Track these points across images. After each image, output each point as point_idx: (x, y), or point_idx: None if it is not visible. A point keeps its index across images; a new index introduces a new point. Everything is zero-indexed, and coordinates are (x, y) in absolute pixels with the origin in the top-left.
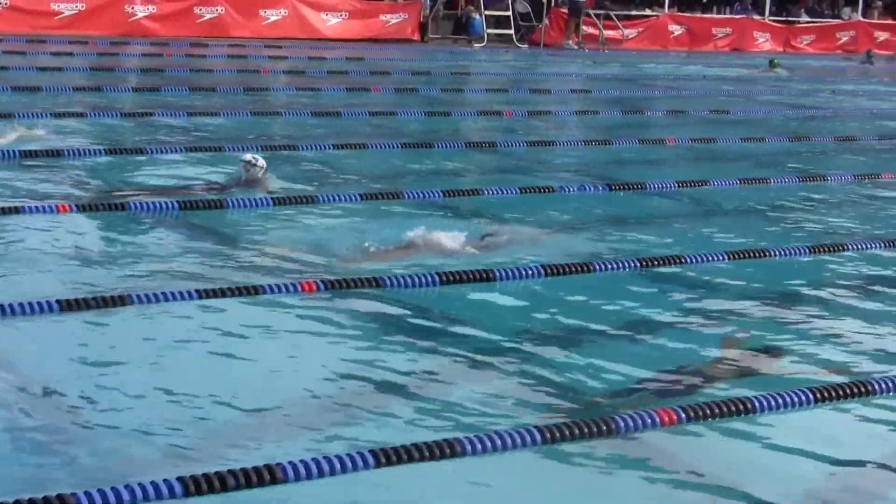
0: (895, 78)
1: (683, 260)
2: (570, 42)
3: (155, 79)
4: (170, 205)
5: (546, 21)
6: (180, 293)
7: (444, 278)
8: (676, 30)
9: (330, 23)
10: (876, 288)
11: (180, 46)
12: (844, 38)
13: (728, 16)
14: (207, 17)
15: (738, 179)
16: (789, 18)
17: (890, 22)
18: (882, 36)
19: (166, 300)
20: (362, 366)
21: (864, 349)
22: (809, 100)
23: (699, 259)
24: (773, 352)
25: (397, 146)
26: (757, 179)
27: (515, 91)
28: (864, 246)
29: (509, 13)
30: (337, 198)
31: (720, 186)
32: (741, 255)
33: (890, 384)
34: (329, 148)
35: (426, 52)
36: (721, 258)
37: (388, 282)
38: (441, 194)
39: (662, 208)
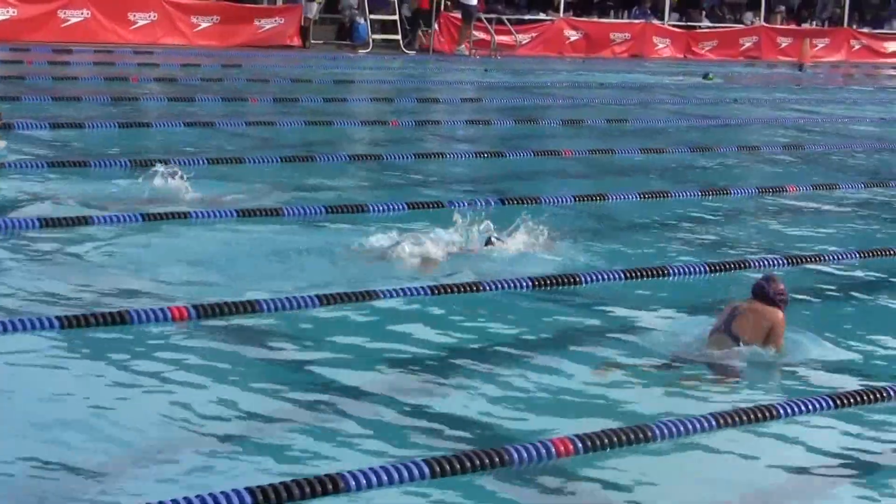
0: (822, 85)
1: (577, 279)
2: (463, 48)
3: (15, 87)
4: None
5: (435, 26)
6: (39, 320)
7: (323, 300)
8: (572, 35)
9: (200, 27)
10: None
11: (42, 52)
12: (747, 44)
13: (626, 20)
14: (72, 20)
15: (637, 193)
16: (690, 23)
17: (793, 27)
18: (784, 42)
19: (24, 328)
20: (233, 397)
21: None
22: (713, 109)
23: (594, 278)
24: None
25: (276, 159)
26: (657, 193)
27: (402, 100)
28: (765, 263)
29: (396, 17)
30: (211, 214)
31: (618, 200)
32: (639, 275)
33: (794, 408)
34: (202, 162)
35: (308, 59)
36: (617, 277)
37: (263, 305)
38: (324, 210)
39: (558, 223)
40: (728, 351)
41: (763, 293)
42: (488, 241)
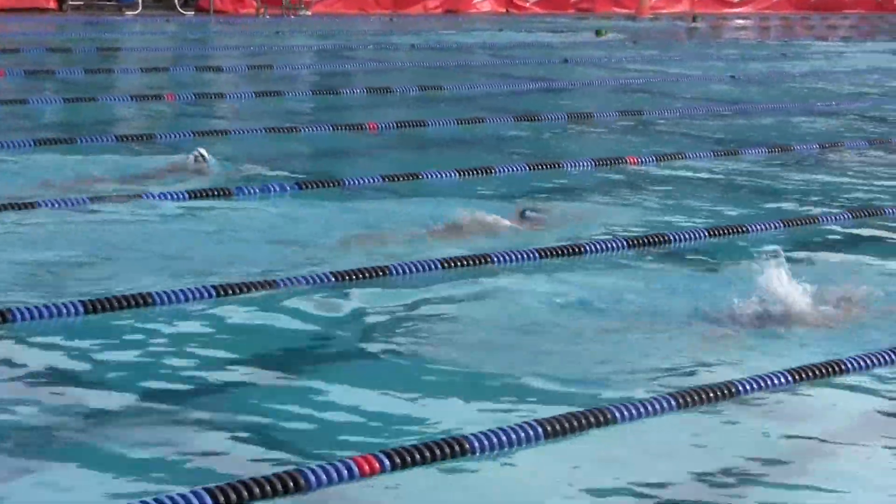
0: (665, 40)
1: (388, 271)
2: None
3: None
4: None
5: None
6: None
7: (91, 307)
8: None
9: None
10: (626, 297)
11: None
12: None
13: None
14: None
15: (455, 170)
16: None
17: None
18: None
19: None
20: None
21: (582, 376)
22: (539, 70)
23: (410, 269)
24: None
25: (29, 143)
26: (478, 170)
27: (179, 69)
28: (606, 246)
29: None
30: None
31: (434, 178)
32: (457, 263)
33: (626, 411)
34: None
35: (65, 24)
36: (434, 267)
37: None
38: (87, 201)
39: (364, 208)
40: None
41: None
42: (523, 214)
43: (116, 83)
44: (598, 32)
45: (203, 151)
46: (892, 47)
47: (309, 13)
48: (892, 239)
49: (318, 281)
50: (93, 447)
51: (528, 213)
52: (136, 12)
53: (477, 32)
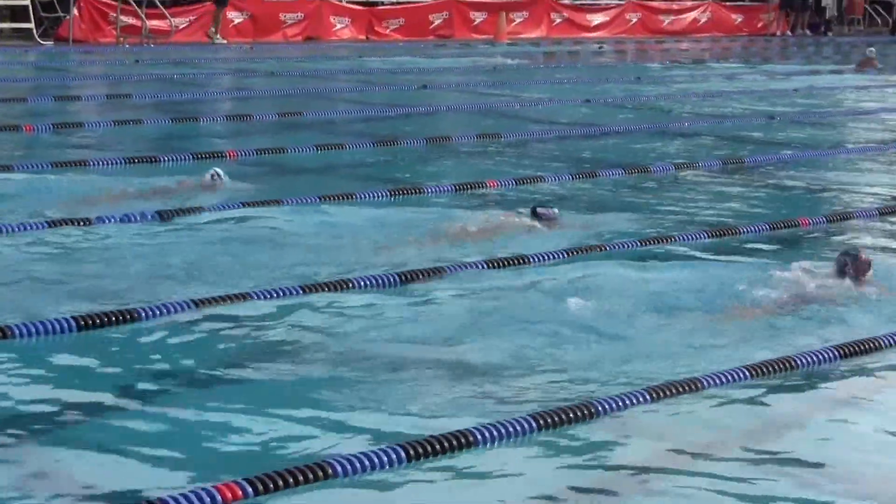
0: (524, 65)
1: (247, 297)
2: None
3: None
4: None
5: (75, 12)
6: None
7: None
8: (236, 17)
9: None
10: (488, 318)
11: None
12: (437, 21)
13: None
14: None
15: (316, 197)
16: (372, 0)
17: (487, 0)
18: (478, 17)
19: None
20: None
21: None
22: (400, 96)
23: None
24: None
25: None
26: (339, 196)
27: (38, 99)
28: (469, 266)
29: (27, 2)
30: None
31: (294, 205)
32: (279, 294)
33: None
34: None
35: None
36: (265, 296)
37: None
38: None
39: (226, 237)
40: None
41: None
42: (535, 213)
43: None
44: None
45: (220, 171)
46: (744, 70)
47: (169, 41)
48: (744, 257)
49: (180, 309)
50: None
51: (539, 210)
52: None
53: (337, 59)
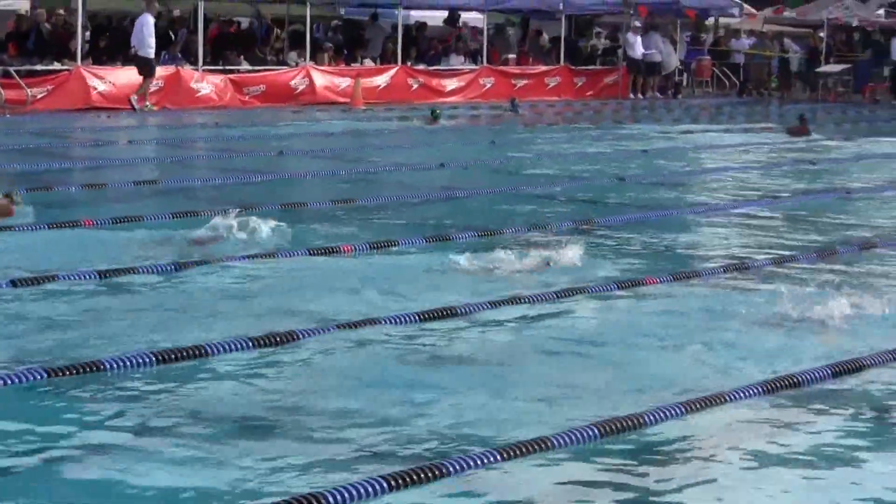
0: (381, 130)
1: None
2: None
3: None
4: None
5: None
6: None
7: None
8: (99, 85)
9: None
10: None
11: None
12: (300, 87)
13: (160, 66)
14: None
15: (171, 264)
16: (227, 67)
17: (342, 68)
18: (342, 83)
19: None
20: None
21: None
22: (258, 162)
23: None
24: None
25: None
26: (195, 262)
27: None
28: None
29: None
30: None
31: (144, 274)
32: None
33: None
34: None
35: None
36: (148, 361)
37: None
38: None
39: (80, 302)
40: None
41: None
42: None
43: None
44: (433, 114)
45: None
46: (593, 133)
47: (26, 109)
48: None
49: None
50: None
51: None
52: None
53: (195, 127)
